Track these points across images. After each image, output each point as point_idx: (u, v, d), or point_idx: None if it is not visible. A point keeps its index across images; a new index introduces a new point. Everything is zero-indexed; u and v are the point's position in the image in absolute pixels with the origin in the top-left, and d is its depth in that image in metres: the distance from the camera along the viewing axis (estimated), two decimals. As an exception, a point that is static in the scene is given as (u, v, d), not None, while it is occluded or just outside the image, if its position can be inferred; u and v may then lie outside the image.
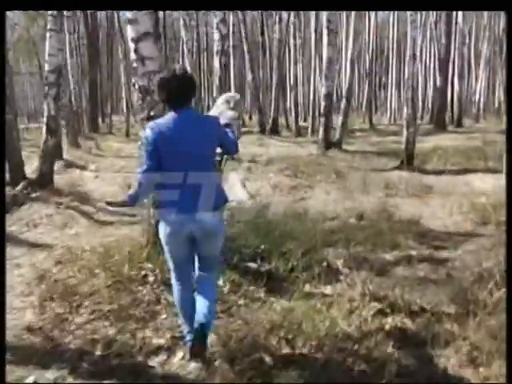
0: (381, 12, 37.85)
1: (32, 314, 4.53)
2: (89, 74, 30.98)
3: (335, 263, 5.40)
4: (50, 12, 9.45)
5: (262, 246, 5.50)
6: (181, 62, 36.26)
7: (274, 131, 24.93)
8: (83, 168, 14.05)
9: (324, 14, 15.40)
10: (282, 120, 28.94)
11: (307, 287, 4.84)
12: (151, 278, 4.79)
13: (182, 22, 22.94)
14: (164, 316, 4.34)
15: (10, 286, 4.85)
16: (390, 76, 38.20)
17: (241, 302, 4.54)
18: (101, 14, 37.05)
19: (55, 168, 13.22)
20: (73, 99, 21.73)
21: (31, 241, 7.09)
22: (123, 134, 26.24)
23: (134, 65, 4.74)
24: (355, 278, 5.03)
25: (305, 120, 31.02)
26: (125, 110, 27.82)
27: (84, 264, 5.23)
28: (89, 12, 31.94)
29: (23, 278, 5.38)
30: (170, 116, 3.42)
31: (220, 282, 4.66)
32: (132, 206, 3.64)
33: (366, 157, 15.13)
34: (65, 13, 12.34)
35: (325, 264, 5.28)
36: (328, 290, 4.81)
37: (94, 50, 32.06)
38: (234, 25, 20.29)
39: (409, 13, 13.30)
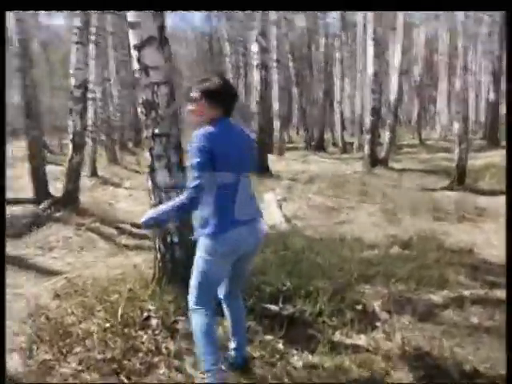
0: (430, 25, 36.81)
1: (18, 359, 3.94)
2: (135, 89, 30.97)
3: (371, 305, 4.62)
4: (75, 24, 9.03)
5: (288, 284, 4.76)
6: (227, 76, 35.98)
7: (320, 147, 24.26)
8: (117, 185, 13.65)
9: (370, 26, 14.64)
10: (328, 135, 28.28)
11: (337, 335, 4.10)
12: (153, 322, 4.11)
13: (225, 35, 22.67)
14: (162, 370, 3.67)
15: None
16: (440, 90, 36.98)
17: (255, 354, 3.83)
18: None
19: (89, 185, 12.94)
20: (117, 114, 21.64)
21: (42, 266, 6.58)
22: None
23: (137, 75, 4.13)
24: (394, 324, 4.28)
25: (352, 135, 30.23)
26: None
27: (83, 300, 4.60)
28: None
29: (19, 311, 4.80)
30: (218, 124, 3.16)
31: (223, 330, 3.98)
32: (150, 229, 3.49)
33: (414, 175, 14.28)
34: (92, 28, 11.86)
35: (359, 307, 4.53)
36: (362, 340, 4.06)
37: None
38: (277, 38, 19.67)
39: (460, 24, 12.42)
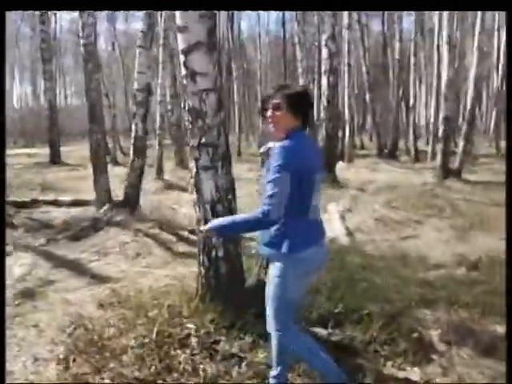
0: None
1: (54, 369, 3.82)
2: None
3: (429, 335, 4.24)
4: (140, 28, 9.01)
5: (340, 306, 4.44)
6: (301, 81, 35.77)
7: (392, 155, 23.58)
8: (183, 189, 13.60)
9: (445, 30, 14.05)
10: (401, 143, 27.51)
11: (387, 367, 3.76)
12: (193, 341, 3.91)
13: (296, 40, 22.43)
14: (199, 394, 3.45)
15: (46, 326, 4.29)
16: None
17: (297, 382, 3.55)
18: (223, 34, 37.46)
19: (153, 189, 12.97)
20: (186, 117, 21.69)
21: (95, 272, 6.50)
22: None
23: (184, 82, 3.94)
24: (453, 357, 3.90)
25: (427, 144, 29.32)
26: (236, 129, 27.60)
27: (124, 313, 4.46)
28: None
29: (62, 318, 4.71)
30: (298, 137, 3.01)
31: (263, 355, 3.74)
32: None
33: (489, 188, 13.52)
34: (160, 31, 11.86)
35: (415, 335, 4.16)
36: (415, 373, 3.70)
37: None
38: (349, 42, 19.27)
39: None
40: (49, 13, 21.65)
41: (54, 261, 6.95)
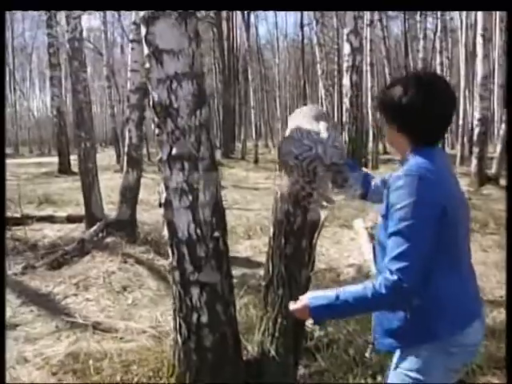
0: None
1: None
2: (223, 98, 30.28)
3: None
4: (133, 19, 7.81)
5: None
6: (318, 84, 34.73)
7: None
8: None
9: (479, 22, 12.69)
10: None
11: None
12: None
13: (315, 40, 21.31)
14: None
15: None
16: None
17: None
18: (240, 38, 36.50)
19: (156, 204, 11.72)
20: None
21: (69, 311, 5.29)
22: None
23: (147, 65, 2.67)
24: None
25: (452, 147, 27.91)
26: (254, 136, 26.44)
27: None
28: (225, 35, 31.37)
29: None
30: (433, 158, 1.96)
31: None
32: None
33: (532, 196, 12.09)
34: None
35: None
36: None
37: (230, 74, 31.40)
38: (371, 40, 17.99)
39: None
40: (58, 16, 20.64)
41: (25, 295, 5.77)
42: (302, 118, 2.73)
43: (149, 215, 10.22)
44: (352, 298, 1.89)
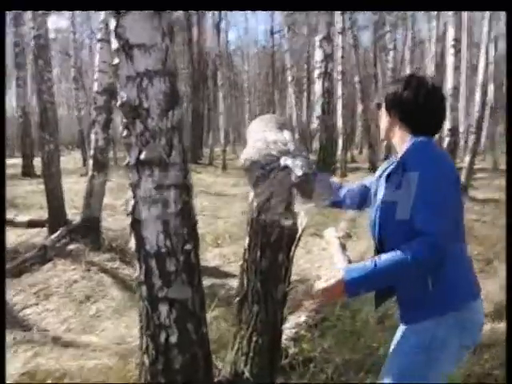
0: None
1: None
2: (192, 103, 29.98)
3: None
4: (101, 18, 7.52)
5: None
6: (287, 91, 34.82)
7: (385, 169, 22.28)
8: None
9: (450, 34, 12.68)
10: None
11: None
12: None
13: (286, 47, 21.23)
14: None
15: None
16: None
17: None
18: (210, 43, 36.29)
19: (122, 208, 11.38)
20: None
21: (29, 323, 5.01)
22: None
23: (116, 61, 2.44)
24: None
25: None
26: (222, 141, 26.23)
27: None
28: (195, 39, 31.13)
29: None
30: (432, 141, 2.25)
31: None
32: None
33: (499, 207, 12.08)
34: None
35: None
36: None
37: (199, 78, 31.13)
38: (343, 48, 17.95)
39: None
40: (24, 16, 20.05)
41: (-19, 305, 5.44)
42: (264, 128, 2.61)
43: (114, 221, 9.93)
44: (391, 263, 1.95)
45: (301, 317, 4.29)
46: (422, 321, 2.09)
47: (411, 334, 2.12)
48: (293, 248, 2.87)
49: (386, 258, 1.97)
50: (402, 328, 2.21)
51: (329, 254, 7.34)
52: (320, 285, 2.04)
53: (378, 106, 2.34)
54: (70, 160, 25.51)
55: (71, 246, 7.17)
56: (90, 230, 7.58)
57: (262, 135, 2.52)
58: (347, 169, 22.04)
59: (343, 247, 7.65)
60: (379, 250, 2.18)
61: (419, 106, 2.19)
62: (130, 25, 2.36)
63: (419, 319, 2.09)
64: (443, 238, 1.92)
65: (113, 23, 2.40)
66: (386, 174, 2.22)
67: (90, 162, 7.69)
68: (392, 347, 2.23)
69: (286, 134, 2.56)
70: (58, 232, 7.45)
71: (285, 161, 2.36)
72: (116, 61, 2.42)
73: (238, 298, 2.89)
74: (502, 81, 33.82)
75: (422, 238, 1.91)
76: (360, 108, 26.39)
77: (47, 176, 7.72)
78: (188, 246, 2.53)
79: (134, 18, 2.35)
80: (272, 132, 2.54)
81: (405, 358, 2.12)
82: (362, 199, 2.53)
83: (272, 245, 2.82)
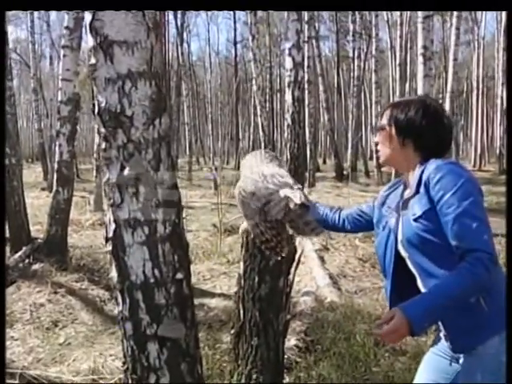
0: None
1: None
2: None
3: None
4: (65, 24, 7.12)
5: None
6: (252, 101, 34.72)
7: (352, 178, 22.28)
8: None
9: (420, 39, 12.62)
10: (360, 165, 26.41)
11: None
12: None
13: (251, 55, 20.97)
14: None
15: None
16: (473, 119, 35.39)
17: None
18: (172, 52, 35.96)
19: (89, 223, 10.91)
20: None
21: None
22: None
23: (92, 61, 2.09)
24: None
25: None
26: (187, 153, 25.88)
27: None
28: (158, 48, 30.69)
29: None
30: None
31: None
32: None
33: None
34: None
35: None
36: None
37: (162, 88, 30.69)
38: (309, 57, 17.80)
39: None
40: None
41: None
42: (259, 163, 2.47)
43: (79, 237, 9.51)
44: (449, 288, 1.85)
45: (290, 340, 3.97)
46: (479, 346, 1.95)
47: (476, 368, 1.96)
48: (292, 271, 2.56)
49: (442, 283, 1.90)
50: (445, 362, 2.08)
51: (308, 268, 7.06)
52: (377, 331, 1.89)
53: (382, 128, 2.21)
54: (30, 173, 24.83)
55: (36, 266, 6.78)
56: (55, 248, 7.20)
57: (258, 169, 2.40)
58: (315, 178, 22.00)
59: (322, 261, 7.39)
60: (396, 280, 2.14)
61: (438, 135, 2.13)
62: (109, 18, 2.02)
63: (477, 345, 1.95)
64: (494, 251, 1.87)
65: (88, 16, 2.05)
66: (400, 200, 2.15)
67: (54, 176, 7.27)
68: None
69: (281, 168, 2.49)
70: (21, 251, 7.05)
71: (284, 192, 2.27)
72: (93, 61, 2.07)
73: (233, 331, 2.55)
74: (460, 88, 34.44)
75: (477, 255, 1.83)
76: (325, 117, 26.33)
77: (9, 191, 7.25)
78: (179, 275, 2.17)
79: (114, 13, 2.01)
80: (269, 166, 2.44)
81: None
82: (362, 224, 2.50)
83: (271, 269, 2.50)
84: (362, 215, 2.46)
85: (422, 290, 2.04)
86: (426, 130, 2.10)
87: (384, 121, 2.20)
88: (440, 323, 2.04)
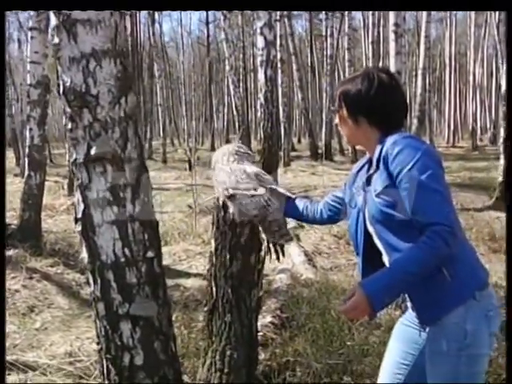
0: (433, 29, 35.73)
1: None
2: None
3: None
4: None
5: None
6: (225, 81, 34.53)
7: (327, 157, 22.33)
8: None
9: (391, 17, 12.64)
10: (334, 143, 26.46)
11: None
12: None
13: (223, 35, 20.81)
14: None
15: None
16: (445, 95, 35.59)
17: None
18: (144, 33, 35.60)
19: (64, 207, 10.82)
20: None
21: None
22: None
23: (56, 40, 2.07)
24: None
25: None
26: (161, 134, 25.71)
27: None
28: (128, 31, 30.35)
29: None
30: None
31: None
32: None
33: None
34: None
35: None
36: None
37: (134, 71, 30.41)
38: (281, 36, 17.73)
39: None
40: None
41: None
42: (235, 158, 2.48)
43: (54, 222, 9.42)
44: (410, 262, 1.87)
45: (266, 318, 4.01)
46: (444, 316, 1.96)
47: (440, 337, 1.97)
48: (264, 248, 2.58)
49: (401, 258, 1.91)
50: (414, 331, 2.12)
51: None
52: (341, 308, 1.95)
53: (337, 110, 2.17)
54: (2, 160, 24.45)
55: (10, 252, 6.67)
56: (29, 233, 7.12)
57: (239, 167, 2.40)
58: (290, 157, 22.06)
59: (297, 238, 7.43)
60: (367, 257, 2.12)
61: (388, 108, 2.08)
62: (71, -3, 2.00)
63: (442, 315, 1.96)
64: (455, 223, 1.86)
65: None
66: (364, 178, 2.13)
67: (26, 161, 7.18)
68: (412, 353, 2.13)
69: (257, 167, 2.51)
70: (-5, 237, 6.93)
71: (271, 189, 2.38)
72: (56, 40, 2.04)
73: (206, 308, 2.57)
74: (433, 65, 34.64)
75: (435, 228, 1.82)
76: (299, 96, 26.33)
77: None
78: (150, 254, 2.18)
79: (76, -11, 1.99)
80: (250, 164, 2.46)
81: (447, 364, 1.98)
82: (339, 210, 2.44)
83: (243, 246, 2.52)
84: (337, 200, 2.43)
85: (387, 265, 2.05)
86: (374, 104, 2.06)
87: (336, 102, 2.17)
88: (406, 295, 2.06)
